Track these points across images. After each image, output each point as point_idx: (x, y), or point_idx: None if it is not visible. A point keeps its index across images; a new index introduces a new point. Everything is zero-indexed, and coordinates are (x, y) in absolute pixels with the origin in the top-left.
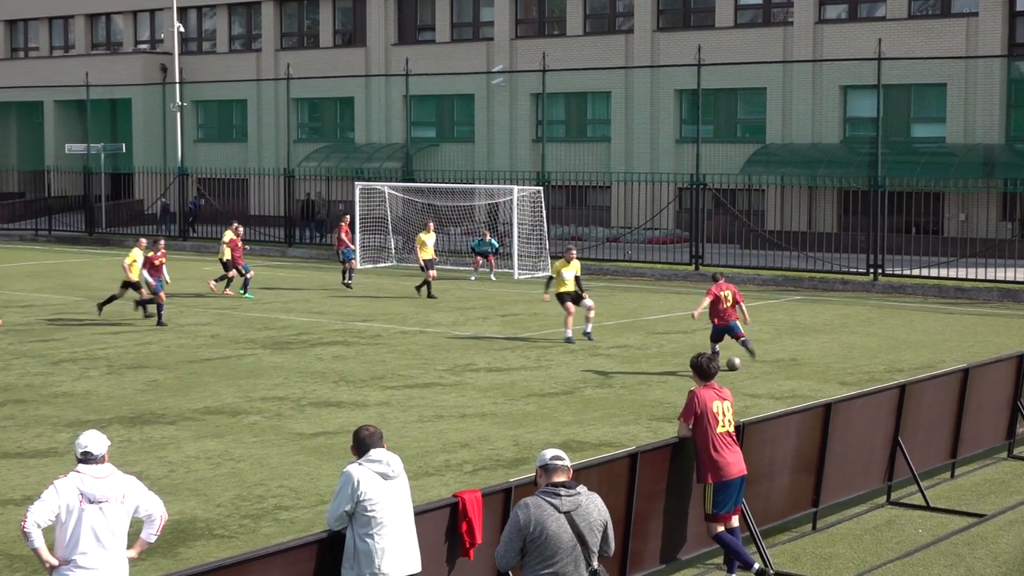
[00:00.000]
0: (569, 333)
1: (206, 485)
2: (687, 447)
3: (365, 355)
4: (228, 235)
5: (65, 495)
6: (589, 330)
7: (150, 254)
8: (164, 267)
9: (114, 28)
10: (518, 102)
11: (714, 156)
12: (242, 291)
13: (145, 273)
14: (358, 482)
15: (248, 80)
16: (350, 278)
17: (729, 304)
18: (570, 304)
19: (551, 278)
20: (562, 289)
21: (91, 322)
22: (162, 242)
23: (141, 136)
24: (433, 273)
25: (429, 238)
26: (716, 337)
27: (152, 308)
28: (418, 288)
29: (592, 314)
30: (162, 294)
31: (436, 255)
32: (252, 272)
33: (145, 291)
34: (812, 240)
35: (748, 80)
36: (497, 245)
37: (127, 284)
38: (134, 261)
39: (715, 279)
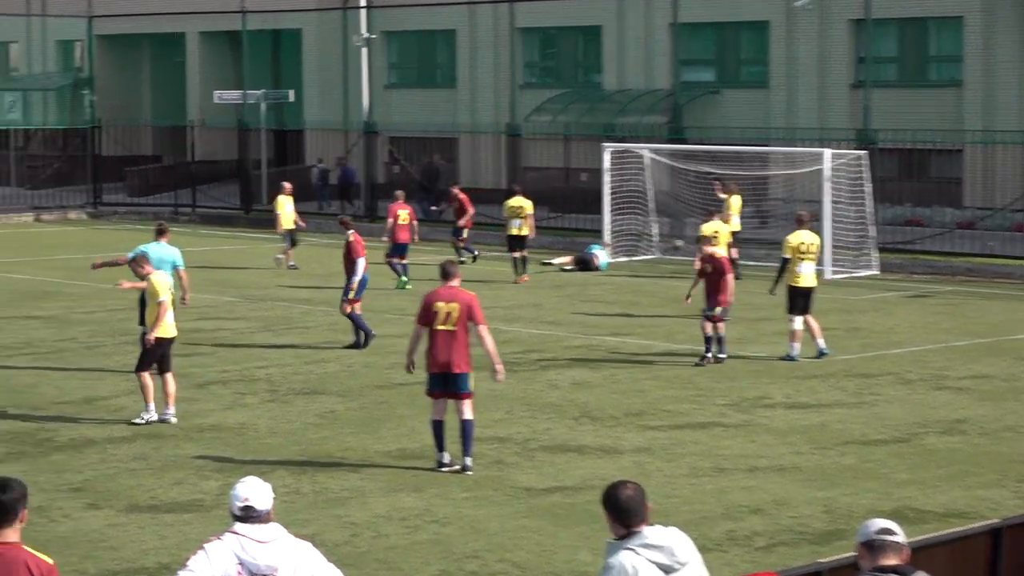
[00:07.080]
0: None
1: (400, 556)
2: None
3: (617, 382)
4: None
5: (219, 564)
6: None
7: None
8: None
9: None
10: (831, 32)
11: None
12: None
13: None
14: None
15: (458, 2)
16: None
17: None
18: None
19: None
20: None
21: (248, 331)
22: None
23: (314, 81)
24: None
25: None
26: None
27: None
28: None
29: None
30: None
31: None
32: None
33: None
34: None
35: None
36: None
37: None
38: None
39: None
